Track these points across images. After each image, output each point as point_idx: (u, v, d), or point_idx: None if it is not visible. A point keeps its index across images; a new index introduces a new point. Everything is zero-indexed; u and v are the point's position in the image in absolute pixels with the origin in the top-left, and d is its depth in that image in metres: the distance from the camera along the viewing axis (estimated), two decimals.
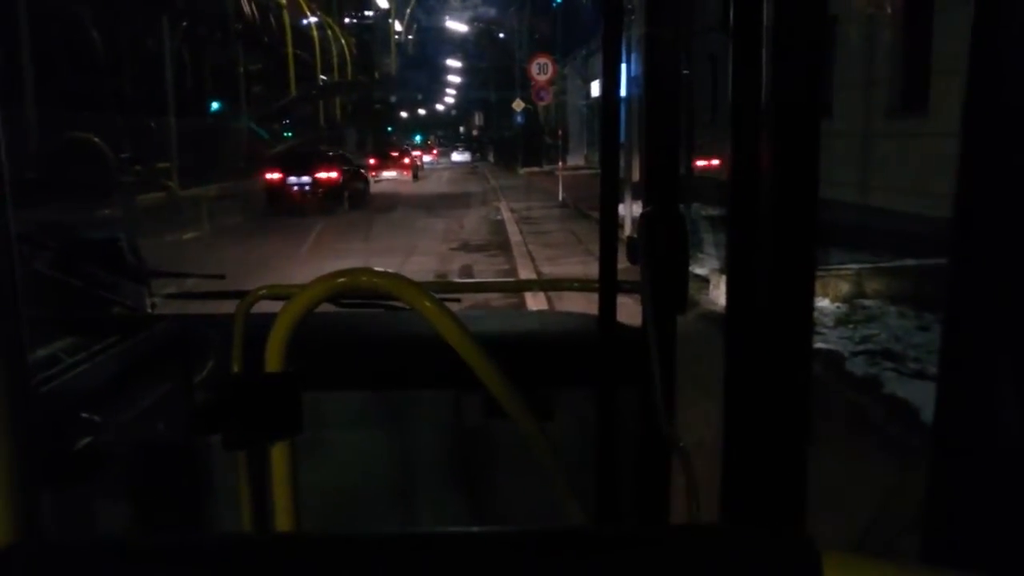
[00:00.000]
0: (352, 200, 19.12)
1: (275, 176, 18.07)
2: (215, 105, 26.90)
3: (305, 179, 17.94)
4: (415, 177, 30.81)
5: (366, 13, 56.19)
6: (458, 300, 1.86)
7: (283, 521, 1.21)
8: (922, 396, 4.73)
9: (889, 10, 11.16)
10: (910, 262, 7.81)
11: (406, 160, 31.17)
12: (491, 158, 46.54)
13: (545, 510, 1.54)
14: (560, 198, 18.89)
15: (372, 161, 27.69)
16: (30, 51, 14.12)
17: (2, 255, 0.69)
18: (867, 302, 7.32)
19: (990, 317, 0.48)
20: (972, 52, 0.47)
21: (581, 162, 33.91)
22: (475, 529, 0.68)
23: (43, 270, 1.63)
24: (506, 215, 16.88)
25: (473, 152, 57.74)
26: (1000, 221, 0.47)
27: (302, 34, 37.32)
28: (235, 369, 1.57)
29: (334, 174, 18.75)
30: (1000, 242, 0.47)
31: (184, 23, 23.44)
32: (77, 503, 1.38)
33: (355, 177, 20.37)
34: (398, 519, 1.83)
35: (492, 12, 46.32)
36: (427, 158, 39.31)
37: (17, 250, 0.72)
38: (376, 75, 56.50)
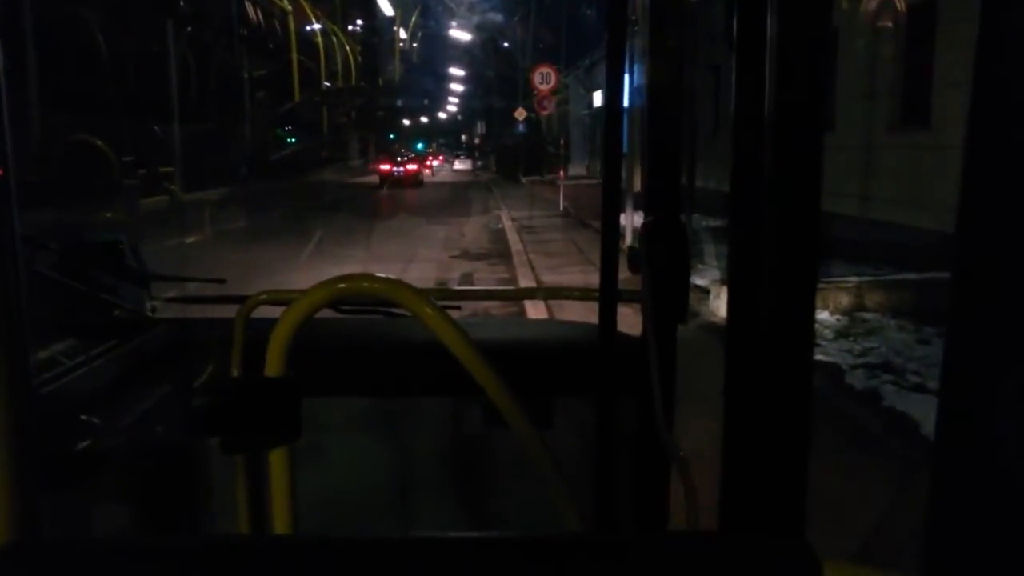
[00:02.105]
0: (419, 180, 35.28)
1: (386, 166, 34.84)
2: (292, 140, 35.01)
3: (400, 169, 34.59)
4: (433, 173, 49.51)
5: (370, 20, 56.49)
6: (458, 308, 1.86)
7: (280, 526, 1.21)
8: (922, 409, 4.73)
9: (891, 24, 11.19)
10: (911, 275, 7.82)
11: (427, 163, 50.72)
12: (492, 167, 46.89)
13: (544, 518, 1.54)
14: (561, 207, 18.91)
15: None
16: (35, 54, 14.16)
17: (7, 257, 0.69)
18: (867, 315, 7.32)
19: (993, 330, 0.48)
20: (977, 64, 0.47)
21: (583, 172, 33.94)
22: (473, 535, 0.68)
23: (45, 272, 1.63)
24: (507, 224, 16.90)
25: (474, 160, 58.82)
26: (1004, 233, 0.47)
27: (307, 40, 37.42)
28: (235, 373, 1.57)
29: (415, 167, 35.60)
30: (1004, 254, 0.47)
31: (189, 28, 23.51)
32: (76, 505, 1.37)
33: (419, 169, 36.89)
34: (396, 526, 1.83)
35: (497, 20, 46.71)
36: (434, 163, 57.90)
37: (21, 252, 0.72)
38: (380, 82, 56.72)
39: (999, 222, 0.47)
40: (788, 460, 0.72)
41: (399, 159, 35.91)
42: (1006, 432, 0.46)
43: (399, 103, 61.30)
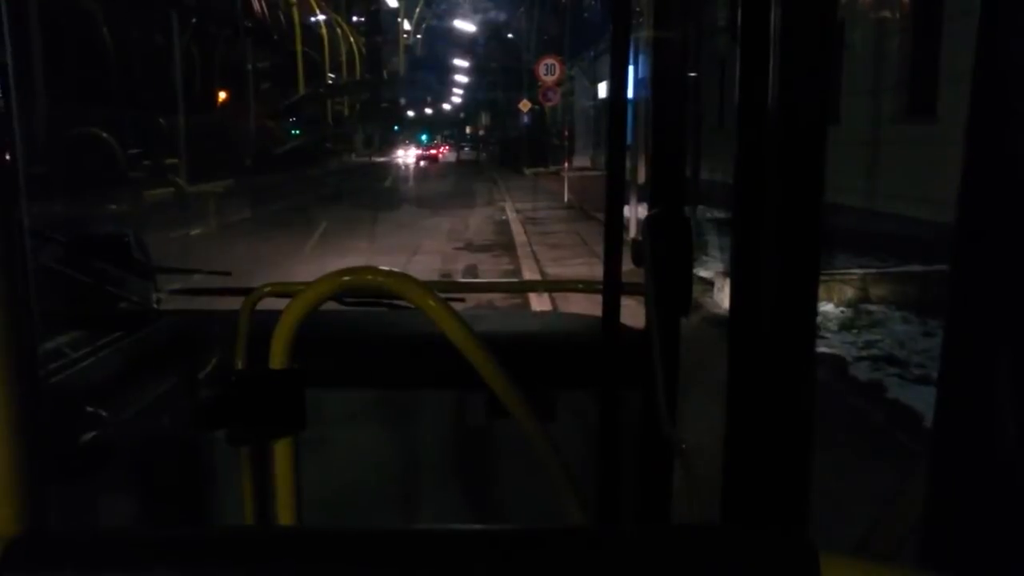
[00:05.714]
0: (437, 159, 52.01)
1: (420, 152, 56.43)
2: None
3: (427, 154, 55.57)
4: (443, 157, 63.24)
5: (375, 12, 56.73)
6: (462, 300, 1.86)
7: (285, 517, 1.22)
8: (926, 402, 4.72)
9: (898, 16, 11.13)
10: (915, 267, 7.80)
11: (439, 150, 66.96)
12: (497, 158, 46.93)
13: (547, 510, 1.55)
14: (566, 199, 18.88)
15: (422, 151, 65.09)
16: (40, 46, 14.14)
17: (14, 249, 0.69)
18: (872, 307, 7.30)
19: (991, 322, 0.48)
20: (977, 59, 0.48)
21: (587, 163, 33.85)
22: (476, 528, 0.69)
23: (50, 264, 1.64)
24: (511, 215, 16.88)
25: (478, 152, 59.67)
26: (1002, 227, 0.47)
27: (311, 32, 37.40)
28: (239, 365, 1.58)
29: (435, 152, 57.80)
30: (1002, 247, 0.47)
31: (193, 19, 23.47)
32: (82, 496, 1.38)
33: (438, 155, 55.90)
34: (399, 518, 1.83)
35: (501, 13, 46.83)
36: (443, 151, 73.00)
37: (28, 244, 0.72)
38: (384, 74, 56.98)
39: (997, 214, 0.47)
40: (791, 453, 0.72)
41: (425, 149, 58.66)
42: (1004, 421, 0.46)
43: (403, 96, 62.25)
